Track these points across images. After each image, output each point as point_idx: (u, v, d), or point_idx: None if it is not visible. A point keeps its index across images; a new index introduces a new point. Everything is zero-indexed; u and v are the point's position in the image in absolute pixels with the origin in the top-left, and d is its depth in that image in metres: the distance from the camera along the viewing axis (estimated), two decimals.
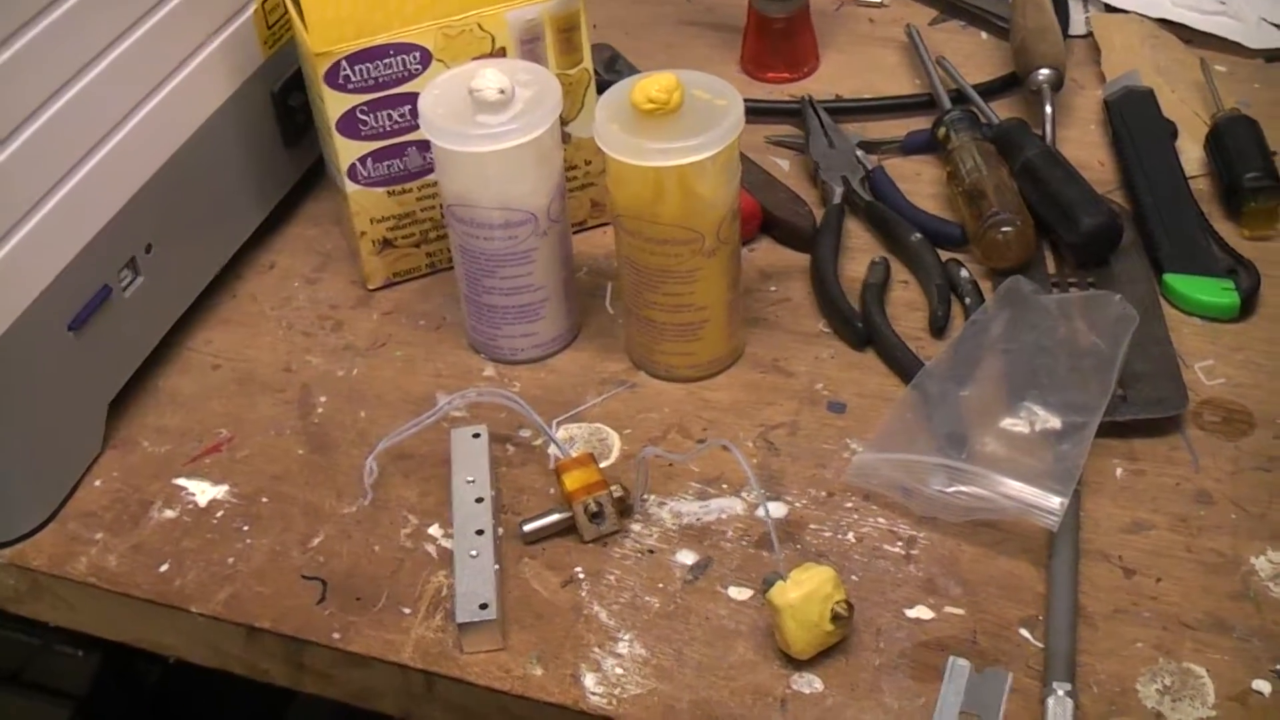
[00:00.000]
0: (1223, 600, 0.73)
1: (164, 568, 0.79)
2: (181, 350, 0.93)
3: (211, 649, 0.79)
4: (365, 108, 0.90)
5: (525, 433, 0.85)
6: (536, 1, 0.90)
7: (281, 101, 0.99)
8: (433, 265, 0.97)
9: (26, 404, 0.80)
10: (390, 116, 0.91)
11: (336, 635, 0.75)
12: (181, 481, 0.84)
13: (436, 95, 0.85)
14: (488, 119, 0.82)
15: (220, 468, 0.85)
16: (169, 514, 0.82)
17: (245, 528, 0.81)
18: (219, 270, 0.96)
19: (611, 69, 1.14)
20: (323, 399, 0.89)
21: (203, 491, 0.83)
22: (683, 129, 0.80)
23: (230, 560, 0.79)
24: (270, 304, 0.97)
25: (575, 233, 0.98)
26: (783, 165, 1.04)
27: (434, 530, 0.80)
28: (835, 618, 0.70)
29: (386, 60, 0.89)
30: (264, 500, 0.83)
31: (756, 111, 1.08)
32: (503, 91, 0.82)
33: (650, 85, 0.80)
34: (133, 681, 1.12)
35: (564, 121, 0.95)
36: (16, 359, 0.78)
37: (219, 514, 0.82)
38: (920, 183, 1.01)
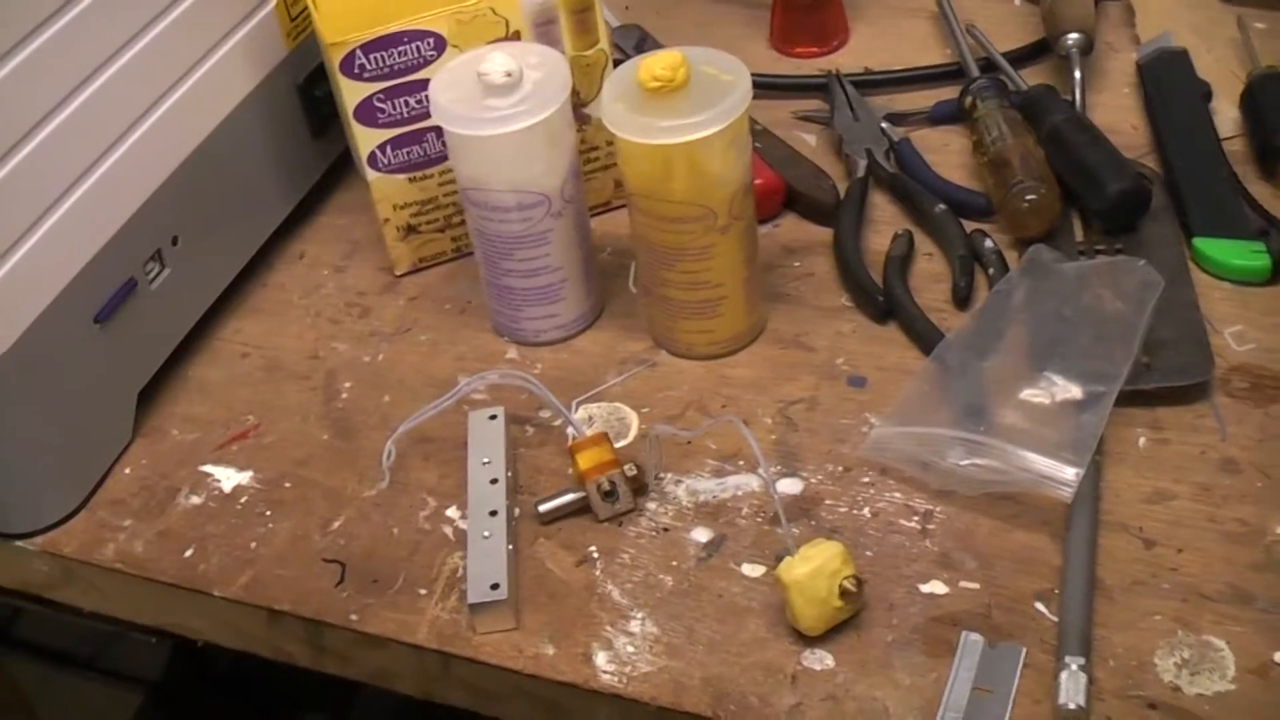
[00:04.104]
0: (1245, 571, 0.72)
1: (189, 553, 0.81)
2: (211, 340, 0.94)
3: (235, 631, 0.80)
4: (382, 95, 0.91)
5: (545, 414, 0.85)
6: None
7: (307, 93, 1.00)
8: (459, 250, 0.98)
9: (55, 396, 0.81)
10: (407, 103, 0.91)
11: (354, 617, 0.76)
12: (208, 468, 0.85)
13: (447, 81, 0.85)
14: (496, 102, 0.82)
15: (246, 454, 0.86)
16: (195, 500, 0.84)
17: (268, 513, 0.82)
18: (247, 261, 0.97)
19: (641, 49, 1.13)
20: (348, 385, 0.90)
21: (228, 478, 0.85)
22: (689, 106, 0.79)
23: (253, 544, 0.80)
24: (299, 293, 0.98)
25: (599, 213, 0.98)
26: (809, 140, 1.04)
27: (451, 512, 0.80)
28: (844, 593, 0.70)
29: (401, 48, 0.89)
30: (287, 485, 0.84)
31: (784, 88, 1.07)
32: (509, 74, 0.82)
33: (655, 63, 0.80)
34: (204, 668, 1.14)
35: (583, 103, 0.95)
36: (43, 352, 0.79)
37: (243, 499, 0.83)
38: (948, 153, 1.00)
